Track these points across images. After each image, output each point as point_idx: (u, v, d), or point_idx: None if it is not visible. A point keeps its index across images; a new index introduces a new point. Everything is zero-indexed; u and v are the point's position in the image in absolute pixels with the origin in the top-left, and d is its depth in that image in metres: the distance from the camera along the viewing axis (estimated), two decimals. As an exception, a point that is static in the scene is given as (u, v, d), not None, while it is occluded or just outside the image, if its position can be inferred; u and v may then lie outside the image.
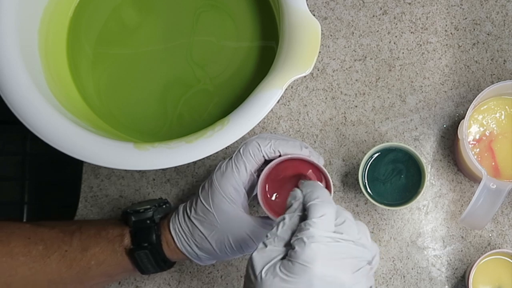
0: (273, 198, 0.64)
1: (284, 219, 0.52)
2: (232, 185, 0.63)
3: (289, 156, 0.63)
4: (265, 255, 0.49)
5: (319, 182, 0.58)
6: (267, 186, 0.65)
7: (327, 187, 0.64)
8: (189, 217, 0.64)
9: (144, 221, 0.65)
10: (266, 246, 0.50)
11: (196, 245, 0.64)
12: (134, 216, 0.66)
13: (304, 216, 0.51)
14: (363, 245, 0.50)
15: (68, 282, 0.64)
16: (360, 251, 0.50)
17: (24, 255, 0.61)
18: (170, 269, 0.68)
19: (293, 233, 0.50)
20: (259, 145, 0.64)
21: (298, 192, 0.54)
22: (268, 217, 0.64)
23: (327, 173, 0.63)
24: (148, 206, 0.67)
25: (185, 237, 0.64)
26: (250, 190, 0.65)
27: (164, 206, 0.69)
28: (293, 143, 0.64)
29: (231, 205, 0.63)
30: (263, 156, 0.64)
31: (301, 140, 0.71)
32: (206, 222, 0.63)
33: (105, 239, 0.64)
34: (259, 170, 0.64)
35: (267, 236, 0.51)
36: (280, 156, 0.63)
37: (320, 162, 0.65)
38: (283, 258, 0.49)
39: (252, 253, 0.50)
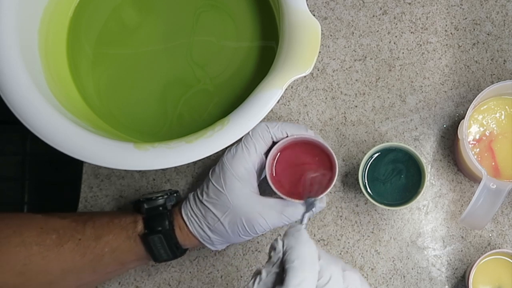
0: (281, 175, 0.66)
1: (260, 273, 0.51)
2: (243, 166, 0.64)
3: (296, 136, 0.66)
4: None
5: (304, 231, 0.53)
6: (275, 164, 0.67)
7: (333, 167, 0.66)
8: (201, 201, 0.65)
9: (157, 208, 0.67)
10: None
11: (208, 227, 0.65)
12: (146, 203, 0.67)
13: (282, 273, 0.49)
14: None
15: (81, 270, 0.64)
16: None
17: (37, 244, 0.62)
18: (182, 256, 0.68)
19: None
20: (268, 126, 0.66)
21: (279, 244, 0.52)
22: (278, 197, 0.65)
23: (332, 152, 0.65)
24: (160, 194, 0.68)
25: (197, 220, 0.65)
26: (260, 171, 0.66)
27: (175, 195, 0.70)
28: (299, 126, 0.67)
29: (243, 186, 0.64)
30: (271, 137, 0.66)
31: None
32: (218, 204, 0.64)
33: (118, 226, 0.65)
34: (268, 152, 0.66)
35: None
36: (287, 137, 0.66)
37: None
38: None
39: None
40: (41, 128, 0.61)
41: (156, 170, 0.76)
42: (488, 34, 0.77)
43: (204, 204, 0.65)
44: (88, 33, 0.73)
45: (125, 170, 0.76)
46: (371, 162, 0.71)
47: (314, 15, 0.65)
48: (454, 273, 0.74)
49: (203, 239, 0.66)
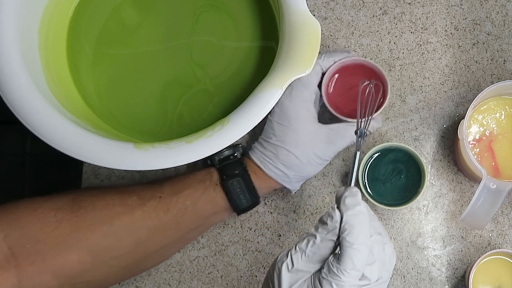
0: (337, 100, 0.72)
1: (314, 237, 0.54)
2: (302, 101, 0.68)
3: (343, 60, 0.70)
4: (292, 275, 0.54)
5: (362, 204, 0.56)
6: (330, 90, 0.72)
7: (384, 84, 0.70)
8: (269, 143, 0.68)
9: (227, 158, 0.69)
10: (293, 264, 0.54)
11: (283, 164, 0.67)
12: (217, 155, 0.69)
13: (336, 242, 0.54)
14: (386, 280, 0.54)
15: (166, 227, 0.65)
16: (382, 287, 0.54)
17: (121, 206, 0.64)
18: (258, 204, 0.70)
19: (322, 258, 0.54)
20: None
21: (336, 214, 0.55)
22: (338, 121, 0.70)
23: (380, 68, 0.69)
24: (225, 148, 0.70)
25: (270, 161, 0.68)
26: (317, 102, 0.70)
27: (240, 145, 0.72)
28: (341, 51, 0.72)
29: (305, 119, 0.67)
30: (321, 68, 0.70)
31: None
32: (287, 140, 0.67)
33: (194, 180, 0.67)
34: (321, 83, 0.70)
35: (295, 248, 0.54)
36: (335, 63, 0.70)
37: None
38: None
39: (281, 265, 0.54)
40: (41, 128, 0.61)
41: (156, 170, 0.76)
42: (488, 34, 0.77)
43: (274, 144, 0.67)
44: (88, 33, 0.73)
45: (125, 170, 0.76)
46: (371, 162, 0.71)
47: (314, 15, 0.65)
48: (454, 273, 0.74)
49: (280, 178, 0.68)
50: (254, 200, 0.68)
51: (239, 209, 0.68)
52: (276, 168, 0.68)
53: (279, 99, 0.65)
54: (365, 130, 0.63)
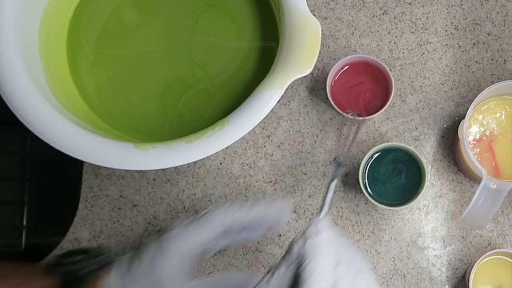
0: (340, 97, 0.73)
1: (278, 268, 0.51)
2: (188, 249, 0.57)
3: (349, 57, 0.71)
4: None
5: (325, 226, 0.53)
6: (334, 86, 0.73)
7: (388, 84, 0.72)
8: (134, 282, 0.56)
9: (78, 271, 0.58)
10: None
11: None
12: (71, 265, 0.59)
13: (297, 275, 0.50)
14: None
15: None
16: None
17: None
18: None
19: None
20: (226, 212, 0.58)
21: (298, 244, 0.51)
22: (339, 119, 0.73)
23: (386, 67, 0.71)
24: (82, 257, 0.60)
25: None
26: (206, 252, 0.60)
27: (100, 257, 0.60)
28: (237, 203, 0.59)
29: (180, 274, 0.58)
30: (221, 225, 0.58)
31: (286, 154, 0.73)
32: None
33: None
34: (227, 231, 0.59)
35: (262, 280, 0.51)
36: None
37: None
38: None
39: None
40: (41, 128, 0.61)
41: (156, 170, 0.76)
42: (488, 34, 0.77)
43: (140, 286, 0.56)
44: (88, 33, 0.73)
45: (125, 170, 0.76)
46: (372, 162, 0.71)
47: (314, 15, 0.65)
48: (455, 273, 0.74)
49: None
50: None
51: None
52: None
53: (165, 237, 0.57)
54: (344, 160, 0.67)
